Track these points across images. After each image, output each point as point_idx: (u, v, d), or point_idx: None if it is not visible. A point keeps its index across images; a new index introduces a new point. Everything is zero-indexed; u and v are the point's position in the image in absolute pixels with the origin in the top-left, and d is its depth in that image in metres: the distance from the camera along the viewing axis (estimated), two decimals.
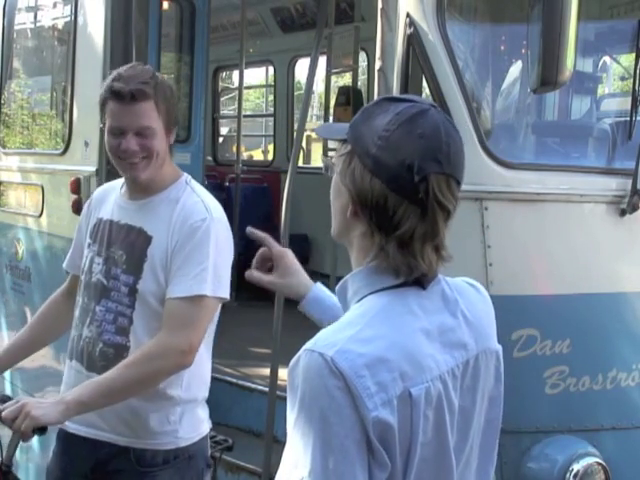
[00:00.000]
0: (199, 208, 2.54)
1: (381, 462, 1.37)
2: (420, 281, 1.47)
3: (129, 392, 2.44)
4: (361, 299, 1.49)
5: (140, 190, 2.60)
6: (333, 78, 6.79)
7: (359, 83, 6.94)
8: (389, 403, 1.37)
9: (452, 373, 1.47)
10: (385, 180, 1.42)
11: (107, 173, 4.20)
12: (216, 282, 2.49)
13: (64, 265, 2.90)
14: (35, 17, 5.39)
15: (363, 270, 1.50)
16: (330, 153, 6.16)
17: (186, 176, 2.65)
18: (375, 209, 1.43)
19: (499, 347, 1.61)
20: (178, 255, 2.47)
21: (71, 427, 2.63)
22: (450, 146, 1.46)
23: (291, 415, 1.40)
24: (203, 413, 2.66)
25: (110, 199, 2.71)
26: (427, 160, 1.42)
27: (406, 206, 1.42)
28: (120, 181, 2.75)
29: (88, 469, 2.61)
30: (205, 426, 2.67)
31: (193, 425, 2.61)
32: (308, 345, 1.41)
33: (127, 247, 2.57)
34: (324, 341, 1.40)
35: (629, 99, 3.36)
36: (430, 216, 1.42)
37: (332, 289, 1.73)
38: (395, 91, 3.19)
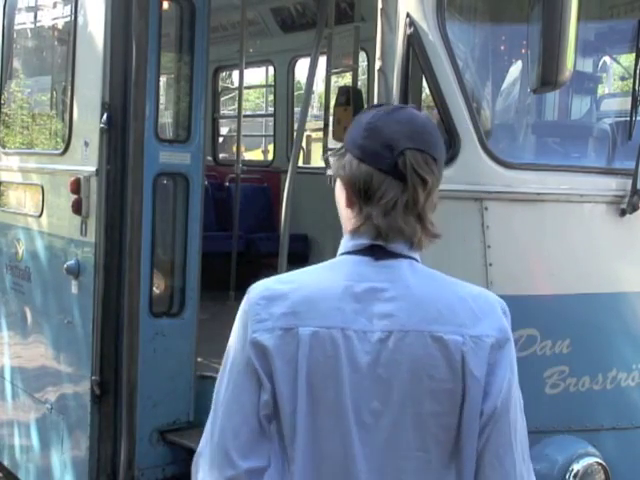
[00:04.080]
0: None
1: (261, 382, 1.62)
2: (375, 252, 1.66)
3: None
4: None
5: None
6: (333, 78, 6.78)
7: (359, 83, 6.93)
8: (271, 331, 1.62)
9: (363, 334, 1.61)
10: (369, 162, 1.66)
11: (107, 173, 4.21)
12: None
13: None
14: (35, 17, 5.39)
15: (345, 236, 1.74)
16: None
17: None
18: (363, 188, 1.66)
19: (458, 339, 1.61)
20: None
21: None
22: (425, 128, 1.71)
23: None
24: None
25: None
26: (403, 139, 1.66)
27: (389, 181, 1.64)
28: None
29: None
30: None
31: None
32: None
33: None
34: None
35: (629, 99, 3.36)
36: (410, 186, 1.64)
37: None
38: (395, 91, 3.18)
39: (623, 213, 3.22)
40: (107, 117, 4.14)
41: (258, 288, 1.69)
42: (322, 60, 5.74)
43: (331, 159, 1.76)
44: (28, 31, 5.56)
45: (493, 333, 1.64)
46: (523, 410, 1.72)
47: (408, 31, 3.11)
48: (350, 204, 1.71)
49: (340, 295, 1.63)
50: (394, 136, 1.66)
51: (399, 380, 1.60)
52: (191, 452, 4.78)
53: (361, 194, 1.67)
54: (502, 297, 1.70)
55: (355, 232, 1.69)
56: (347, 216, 1.72)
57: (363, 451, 1.61)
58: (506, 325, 1.68)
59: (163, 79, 5.18)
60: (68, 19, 4.74)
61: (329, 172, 1.77)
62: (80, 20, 4.49)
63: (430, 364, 1.60)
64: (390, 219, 1.64)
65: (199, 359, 4.59)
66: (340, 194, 1.74)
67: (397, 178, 1.64)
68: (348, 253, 1.70)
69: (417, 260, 1.70)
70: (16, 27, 5.50)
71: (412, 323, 1.61)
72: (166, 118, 5.28)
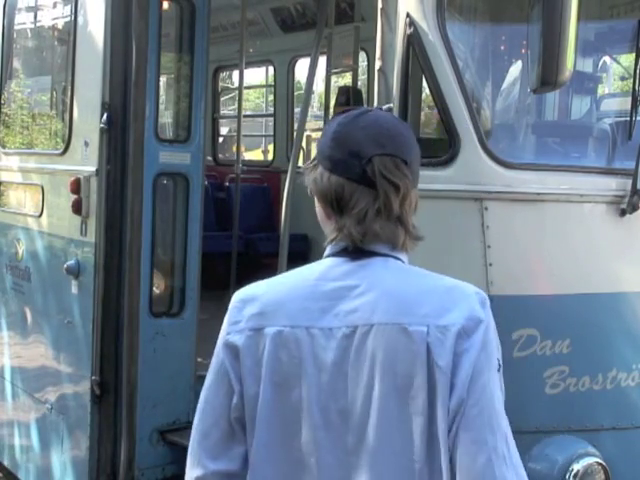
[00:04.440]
0: None
1: (232, 385, 1.63)
2: (353, 253, 1.64)
3: None
4: None
5: None
6: (333, 78, 6.77)
7: (359, 83, 6.93)
8: (242, 332, 1.64)
9: (329, 331, 1.59)
10: (339, 172, 1.64)
11: (107, 173, 4.21)
12: None
13: None
14: (35, 17, 5.39)
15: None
16: None
17: None
18: (335, 199, 1.64)
19: (422, 329, 1.55)
20: None
21: None
22: (391, 131, 1.66)
23: None
24: None
25: None
26: (370, 145, 1.62)
27: (361, 190, 1.62)
28: None
29: None
30: None
31: None
32: None
33: None
34: None
35: (629, 99, 3.35)
36: (381, 193, 1.60)
37: None
38: (395, 91, 3.18)
39: (623, 213, 3.22)
40: (107, 117, 4.14)
41: (239, 292, 1.71)
42: (322, 60, 5.73)
43: (305, 172, 1.73)
44: (28, 31, 5.56)
45: (460, 321, 1.56)
46: (503, 406, 1.60)
47: (408, 31, 3.10)
48: (327, 217, 1.69)
49: (308, 294, 1.63)
50: (360, 143, 1.62)
51: (364, 377, 1.56)
52: None
53: (334, 206, 1.65)
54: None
55: (332, 241, 1.68)
56: (328, 228, 1.71)
57: (333, 454, 1.56)
58: (478, 313, 1.58)
59: (163, 79, 5.18)
60: (68, 19, 4.74)
61: (306, 184, 1.73)
62: (80, 20, 4.49)
63: (394, 358, 1.54)
64: (364, 226, 1.61)
65: (199, 359, 4.59)
66: (318, 207, 1.72)
67: (368, 186, 1.61)
68: (329, 256, 1.69)
69: (401, 260, 1.66)
70: (16, 27, 5.50)
71: (376, 316, 1.57)
72: (166, 118, 5.27)
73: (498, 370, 1.61)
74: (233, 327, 1.66)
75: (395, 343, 1.55)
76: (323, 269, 1.66)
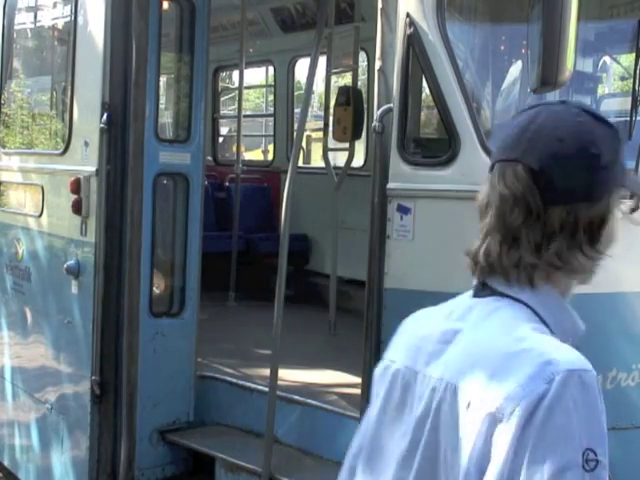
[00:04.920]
0: None
1: None
2: (478, 288, 1.44)
3: None
4: None
5: None
6: (333, 78, 6.78)
7: (359, 83, 6.94)
8: (384, 359, 1.52)
9: (428, 380, 1.38)
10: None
11: (107, 173, 4.21)
12: None
13: None
14: (35, 17, 5.39)
15: None
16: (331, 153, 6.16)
17: None
18: (480, 212, 1.51)
19: (467, 398, 1.29)
20: None
21: None
22: (540, 132, 1.34)
23: None
24: None
25: None
26: (500, 149, 1.40)
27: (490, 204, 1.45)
28: None
29: None
30: None
31: None
32: None
33: None
34: None
35: (629, 99, 3.35)
36: (492, 206, 1.44)
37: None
38: (395, 91, 3.18)
39: (623, 213, 3.21)
40: (107, 117, 4.15)
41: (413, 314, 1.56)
42: (322, 60, 5.73)
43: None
44: (28, 31, 5.56)
45: (497, 400, 1.24)
46: None
47: (408, 31, 3.11)
48: None
49: (429, 333, 1.43)
50: (497, 147, 1.41)
51: (423, 443, 1.35)
52: (191, 452, 4.79)
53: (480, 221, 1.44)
54: None
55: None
56: None
57: None
58: (522, 391, 1.23)
59: (163, 79, 5.19)
60: (68, 19, 4.74)
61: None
62: (80, 20, 4.49)
63: (446, 424, 1.31)
64: (481, 250, 1.43)
65: (199, 359, 4.59)
66: None
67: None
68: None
69: (515, 298, 1.39)
70: (16, 27, 5.51)
71: (448, 371, 1.34)
72: (166, 118, 5.28)
73: (588, 469, 1.21)
74: (385, 352, 1.54)
75: (449, 406, 1.31)
76: (456, 304, 1.45)
